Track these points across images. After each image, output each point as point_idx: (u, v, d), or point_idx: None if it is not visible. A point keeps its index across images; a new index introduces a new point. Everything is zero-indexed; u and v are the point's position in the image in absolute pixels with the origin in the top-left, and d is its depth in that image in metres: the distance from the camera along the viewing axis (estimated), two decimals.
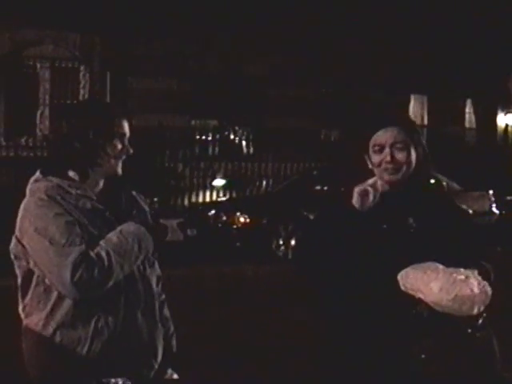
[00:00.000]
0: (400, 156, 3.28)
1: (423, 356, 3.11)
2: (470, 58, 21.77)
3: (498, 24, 21.07)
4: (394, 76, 20.84)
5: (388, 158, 3.27)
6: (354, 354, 3.25)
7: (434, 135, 23.28)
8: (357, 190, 3.23)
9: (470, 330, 3.10)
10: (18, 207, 3.17)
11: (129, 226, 3.16)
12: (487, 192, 17.17)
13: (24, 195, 3.19)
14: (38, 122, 17.63)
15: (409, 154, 3.29)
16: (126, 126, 3.23)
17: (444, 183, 16.22)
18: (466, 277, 3.06)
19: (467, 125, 24.96)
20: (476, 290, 3.03)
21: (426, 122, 23.85)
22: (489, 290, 3.07)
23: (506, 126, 25.67)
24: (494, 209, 17.16)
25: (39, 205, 3.09)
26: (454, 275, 3.05)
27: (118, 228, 3.14)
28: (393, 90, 20.89)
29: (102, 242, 3.07)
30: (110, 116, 3.21)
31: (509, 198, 18.51)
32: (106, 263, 3.02)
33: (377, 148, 3.31)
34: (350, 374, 3.27)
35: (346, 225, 3.23)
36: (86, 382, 3.09)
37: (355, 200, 3.22)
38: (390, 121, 3.36)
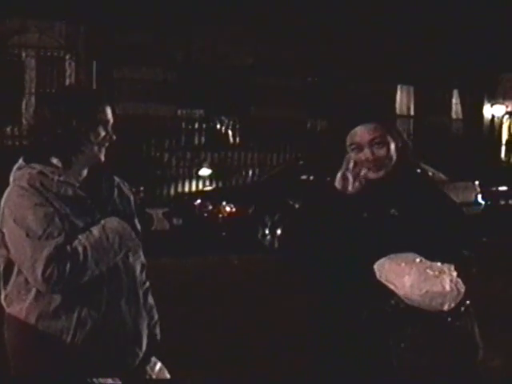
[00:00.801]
0: (380, 152, 3.20)
1: (402, 345, 3.12)
2: (457, 49, 21.79)
3: (486, 14, 21.08)
4: (380, 66, 20.83)
5: (369, 157, 3.19)
6: (333, 343, 3.24)
7: (421, 125, 23.34)
8: (338, 174, 3.21)
9: (449, 319, 3.11)
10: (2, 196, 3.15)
11: (112, 222, 3.12)
12: (473, 182, 17.23)
13: (8, 184, 3.17)
14: (23, 111, 17.53)
15: (388, 149, 3.21)
16: (109, 112, 3.18)
17: (430, 173, 16.26)
18: (440, 272, 3.04)
19: (454, 115, 25.00)
20: (447, 288, 3.03)
21: (412, 112, 23.89)
22: (461, 287, 3.06)
23: (493, 116, 25.73)
24: (480, 199, 17.23)
25: (20, 194, 3.05)
26: (428, 271, 3.04)
27: (102, 222, 3.10)
28: (379, 80, 20.89)
29: (81, 237, 3.03)
30: (94, 103, 3.17)
31: (494, 188, 18.59)
32: (81, 258, 2.99)
33: (354, 147, 3.22)
34: (329, 364, 3.26)
35: (330, 213, 3.20)
36: (69, 372, 3.08)
37: (337, 182, 3.18)
38: (364, 117, 3.26)
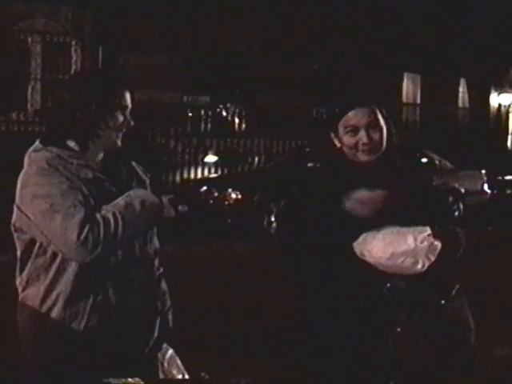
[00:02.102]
0: (376, 136, 3.26)
1: (398, 329, 3.14)
2: (464, 37, 21.72)
3: (494, 3, 21.01)
4: (387, 54, 20.78)
5: (365, 140, 3.24)
6: (330, 328, 3.25)
7: (427, 114, 23.31)
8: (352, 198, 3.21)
9: (443, 302, 3.13)
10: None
11: (136, 191, 3.13)
12: (479, 171, 17.22)
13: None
14: (29, 96, 17.53)
15: (381, 134, 3.28)
16: (128, 98, 3.17)
17: (436, 161, 16.26)
18: (403, 233, 3.08)
19: (460, 104, 24.96)
20: (412, 244, 3.05)
21: (418, 100, 23.85)
22: (433, 243, 3.08)
23: (499, 105, 25.71)
24: (486, 188, 17.23)
25: (41, 174, 3.03)
26: (392, 234, 3.08)
27: (127, 193, 3.10)
28: (386, 67, 20.84)
29: (108, 206, 3.02)
30: (113, 87, 3.16)
31: (500, 177, 18.60)
32: (113, 224, 2.97)
33: (350, 129, 3.26)
34: (326, 349, 3.27)
35: (319, 199, 3.24)
36: (83, 356, 3.07)
37: (351, 206, 3.19)
38: (361, 101, 3.31)
